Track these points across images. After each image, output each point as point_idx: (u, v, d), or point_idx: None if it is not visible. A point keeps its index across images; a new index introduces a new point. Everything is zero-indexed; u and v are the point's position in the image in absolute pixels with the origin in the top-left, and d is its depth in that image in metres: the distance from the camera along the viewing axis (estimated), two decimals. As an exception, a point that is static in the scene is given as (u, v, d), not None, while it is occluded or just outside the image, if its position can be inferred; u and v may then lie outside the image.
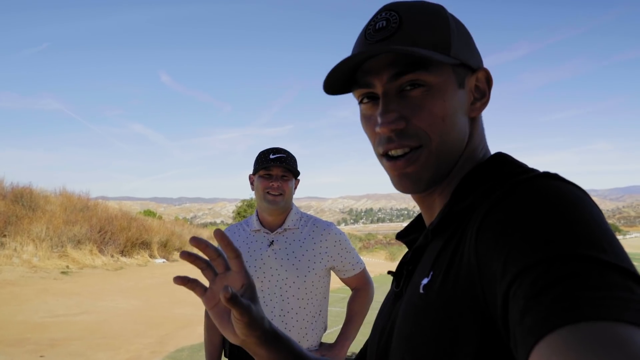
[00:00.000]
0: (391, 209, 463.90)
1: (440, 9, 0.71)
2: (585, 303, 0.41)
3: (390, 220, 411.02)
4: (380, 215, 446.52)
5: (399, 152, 0.68)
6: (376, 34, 0.68)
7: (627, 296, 0.41)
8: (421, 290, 0.63)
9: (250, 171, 2.25)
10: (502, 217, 0.54)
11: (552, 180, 0.57)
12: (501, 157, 0.69)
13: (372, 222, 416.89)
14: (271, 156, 2.13)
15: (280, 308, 2.07)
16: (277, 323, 2.05)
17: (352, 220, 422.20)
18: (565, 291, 0.42)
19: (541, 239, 0.48)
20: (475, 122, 0.73)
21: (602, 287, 0.42)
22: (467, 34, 0.74)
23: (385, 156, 0.70)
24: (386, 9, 0.70)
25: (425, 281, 0.63)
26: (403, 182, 0.70)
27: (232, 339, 0.75)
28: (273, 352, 0.76)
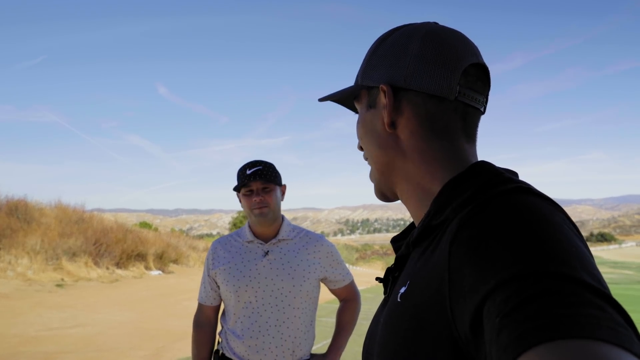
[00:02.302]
0: (387, 219, 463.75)
1: (385, 34, 0.79)
2: (558, 321, 0.41)
3: (387, 231, 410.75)
4: (376, 225, 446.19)
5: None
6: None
7: (599, 314, 0.42)
8: (398, 299, 0.65)
9: None
10: (474, 232, 0.55)
11: (525, 195, 0.58)
12: (479, 166, 0.69)
13: (368, 232, 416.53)
14: (248, 171, 2.12)
15: (276, 318, 2.07)
16: (273, 333, 2.06)
17: (348, 231, 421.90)
18: (539, 309, 0.43)
19: (512, 256, 0.49)
20: (403, 137, 0.74)
21: (574, 305, 0.43)
22: (396, 46, 0.74)
23: None
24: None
25: (402, 290, 0.65)
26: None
27: None
28: None
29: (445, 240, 0.59)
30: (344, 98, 0.84)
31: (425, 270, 0.61)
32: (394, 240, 0.83)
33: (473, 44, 0.75)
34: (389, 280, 0.76)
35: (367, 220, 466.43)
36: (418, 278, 0.62)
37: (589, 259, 0.50)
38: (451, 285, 0.54)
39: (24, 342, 6.80)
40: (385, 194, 0.80)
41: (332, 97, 0.84)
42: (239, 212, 39.31)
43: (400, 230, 0.83)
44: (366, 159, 0.82)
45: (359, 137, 0.81)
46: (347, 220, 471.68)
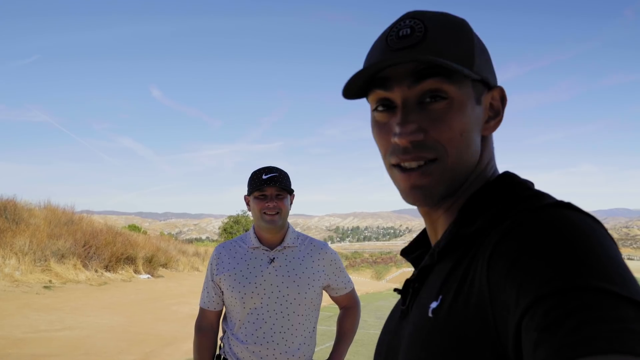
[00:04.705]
0: (377, 227, 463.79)
1: (464, 23, 0.71)
2: (598, 336, 0.41)
3: (377, 239, 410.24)
4: (366, 233, 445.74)
5: (413, 164, 0.67)
6: (399, 42, 0.67)
7: None
8: (430, 314, 0.62)
9: (239, 188, 2.27)
10: (515, 246, 0.54)
11: (565, 209, 0.57)
12: (509, 177, 0.70)
13: (358, 240, 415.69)
14: (264, 177, 2.15)
15: (280, 325, 2.09)
16: (278, 339, 2.08)
17: (338, 239, 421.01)
18: (578, 324, 0.43)
19: (553, 270, 0.48)
20: (486, 141, 0.74)
21: (615, 320, 0.42)
22: (486, 51, 0.74)
23: (397, 167, 0.70)
24: (410, 16, 0.69)
25: (434, 305, 0.62)
26: (414, 194, 0.69)
27: None
28: None
29: (482, 252, 0.58)
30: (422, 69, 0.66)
31: (461, 284, 0.59)
32: (406, 253, 0.81)
33: None
34: (408, 292, 0.73)
35: (358, 228, 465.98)
36: (453, 292, 0.60)
37: (630, 274, 0.49)
38: (492, 299, 0.53)
39: (11, 344, 6.73)
40: (441, 200, 0.70)
41: (430, 59, 0.63)
42: (229, 217, 39.19)
43: (399, 241, 0.80)
44: (433, 158, 0.67)
45: (460, 129, 0.67)
46: (337, 228, 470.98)
